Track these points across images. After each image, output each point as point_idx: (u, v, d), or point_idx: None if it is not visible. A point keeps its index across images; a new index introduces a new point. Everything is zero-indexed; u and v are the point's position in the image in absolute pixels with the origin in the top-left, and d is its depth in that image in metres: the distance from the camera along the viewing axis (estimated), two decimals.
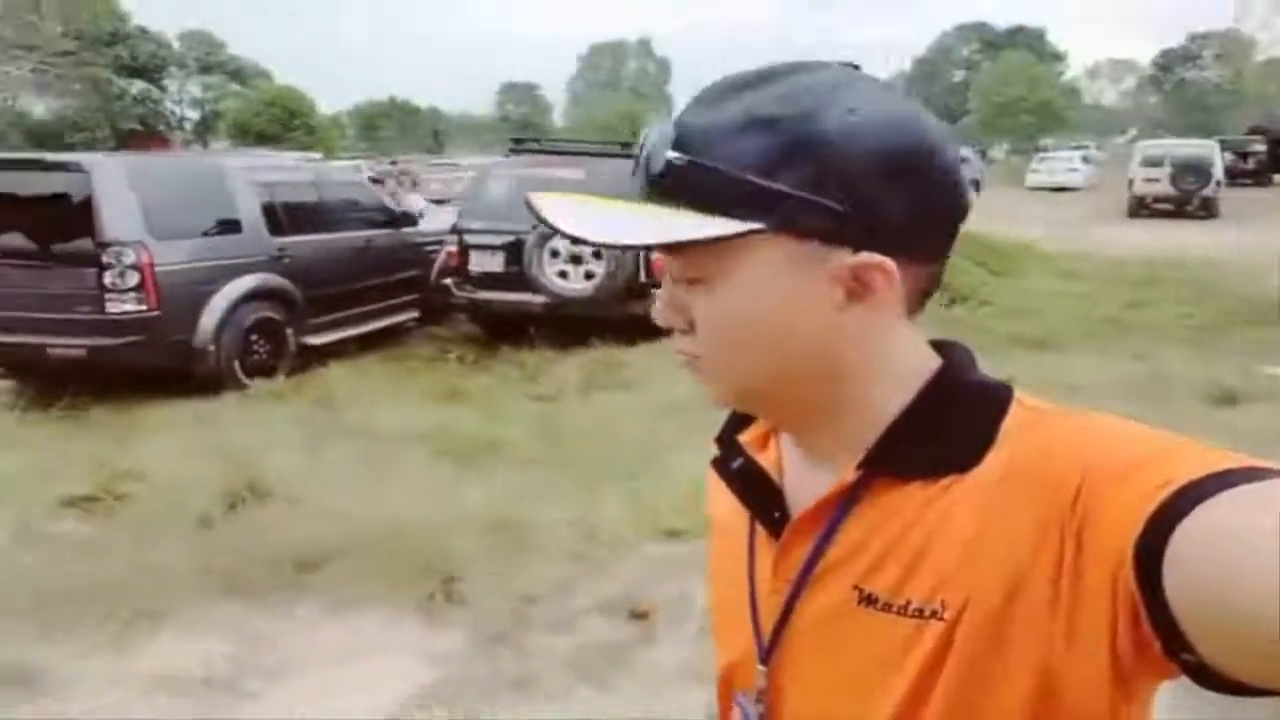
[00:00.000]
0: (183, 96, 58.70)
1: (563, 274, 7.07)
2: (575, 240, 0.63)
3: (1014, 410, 0.64)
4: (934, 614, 0.61)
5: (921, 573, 0.62)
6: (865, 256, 0.61)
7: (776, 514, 0.71)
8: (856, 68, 0.66)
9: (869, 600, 0.64)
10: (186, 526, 4.00)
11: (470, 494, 4.31)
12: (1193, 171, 20.42)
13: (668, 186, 0.62)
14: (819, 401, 0.67)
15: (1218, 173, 20.76)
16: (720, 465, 0.76)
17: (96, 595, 3.37)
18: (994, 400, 0.65)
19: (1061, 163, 31.72)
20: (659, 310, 0.68)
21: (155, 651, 3.15)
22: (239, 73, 58.72)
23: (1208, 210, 20.23)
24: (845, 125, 0.60)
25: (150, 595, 3.41)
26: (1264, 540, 0.45)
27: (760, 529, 0.73)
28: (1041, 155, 35.01)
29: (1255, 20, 50.78)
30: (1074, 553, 0.55)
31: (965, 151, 25.91)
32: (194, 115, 59.30)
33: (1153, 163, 21.24)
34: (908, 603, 0.62)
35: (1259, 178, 27.31)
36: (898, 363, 0.67)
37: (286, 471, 4.52)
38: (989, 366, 0.70)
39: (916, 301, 0.67)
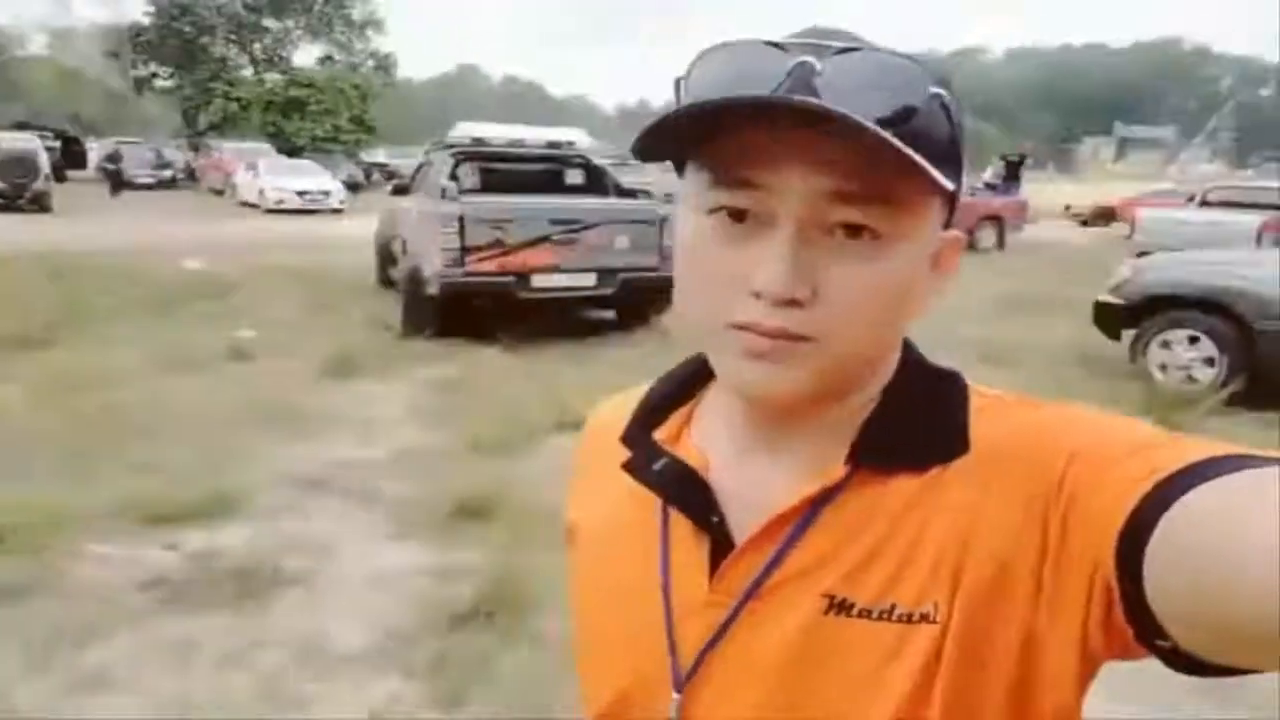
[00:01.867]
0: None
1: None
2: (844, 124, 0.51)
3: (973, 395, 0.64)
4: (924, 617, 0.57)
5: (909, 574, 0.58)
6: (952, 233, 0.62)
7: (714, 519, 0.64)
8: None
9: (842, 607, 0.59)
10: None
11: None
12: (19, 165, 21.50)
13: (911, 122, 0.54)
14: (846, 385, 0.62)
15: (45, 167, 22.11)
16: (634, 467, 0.68)
17: None
18: (957, 385, 0.64)
19: None
20: (779, 275, 0.55)
21: None
22: None
23: (40, 205, 21.54)
24: (958, 112, 0.58)
25: None
26: (1248, 529, 0.44)
27: (678, 539, 0.66)
28: None
29: None
30: (1058, 537, 0.54)
31: None
32: None
33: None
34: (892, 607, 0.58)
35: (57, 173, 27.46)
36: (897, 348, 0.66)
37: None
38: None
39: None
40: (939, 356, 0.67)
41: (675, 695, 0.64)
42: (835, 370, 0.59)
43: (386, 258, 10.15)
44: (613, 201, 8.77)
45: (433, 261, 7.66)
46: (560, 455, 3.49)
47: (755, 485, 0.64)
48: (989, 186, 19.89)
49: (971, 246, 17.09)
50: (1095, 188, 34.14)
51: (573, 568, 0.76)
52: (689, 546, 0.66)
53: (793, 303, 0.56)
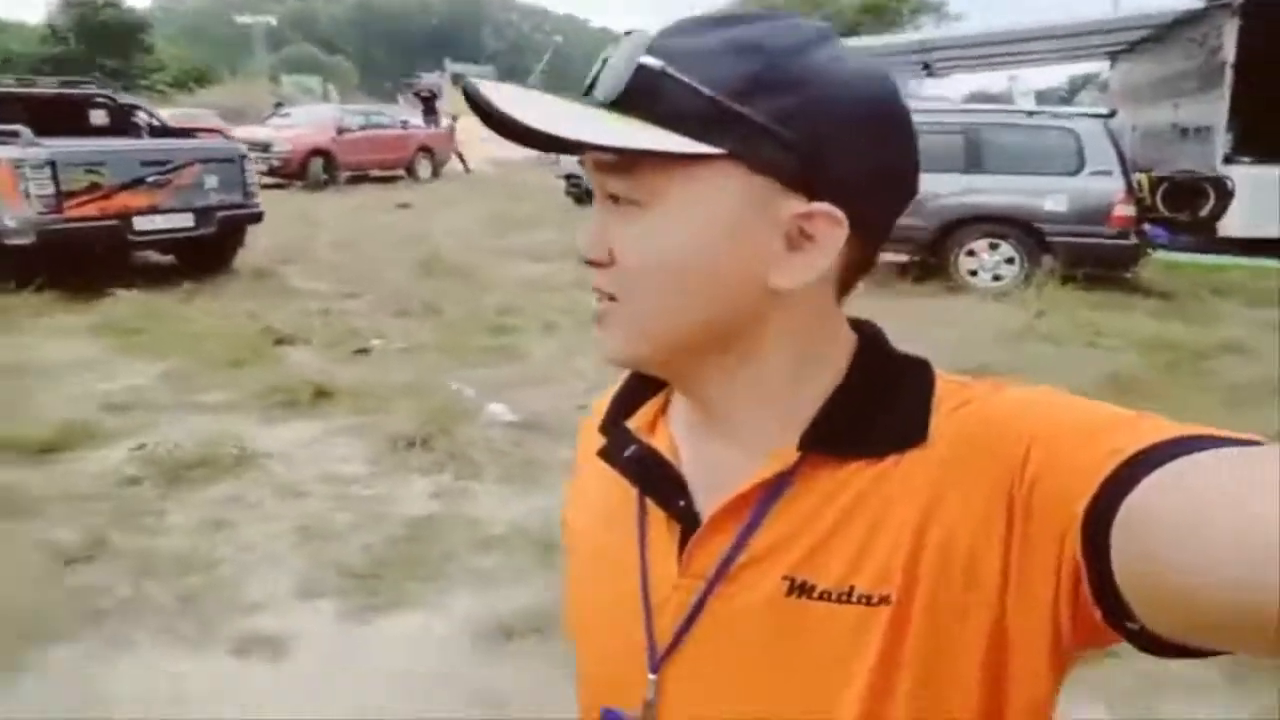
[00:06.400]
0: None
1: None
2: (526, 138, 0.55)
3: (939, 384, 0.64)
4: (884, 599, 0.58)
5: (868, 556, 0.59)
6: (818, 205, 0.58)
7: (681, 503, 0.66)
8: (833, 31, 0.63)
9: (803, 590, 0.60)
10: None
11: None
12: None
13: (633, 96, 0.57)
14: (742, 370, 0.64)
15: None
16: (608, 454, 0.70)
17: None
18: (922, 373, 0.64)
19: None
20: (585, 238, 0.62)
21: None
22: None
23: None
24: (828, 67, 0.58)
25: None
26: (1212, 509, 0.44)
27: (652, 524, 0.68)
28: None
29: None
30: (1023, 519, 0.55)
31: None
32: None
33: None
34: (851, 589, 0.59)
35: None
36: (829, 335, 0.65)
37: None
38: None
39: (848, 279, 0.64)
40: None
41: (651, 676, 0.66)
42: (648, 334, 0.62)
43: None
44: (198, 142, 8.83)
45: (16, 210, 7.15)
46: None
47: (715, 469, 0.65)
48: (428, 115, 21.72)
49: (412, 176, 19.09)
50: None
51: (567, 558, 0.79)
52: (662, 531, 0.67)
53: (596, 264, 0.61)
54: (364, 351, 6.29)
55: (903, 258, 8.41)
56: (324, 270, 9.03)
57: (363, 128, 18.43)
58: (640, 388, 0.74)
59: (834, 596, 0.60)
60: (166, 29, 56.83)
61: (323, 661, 2.98)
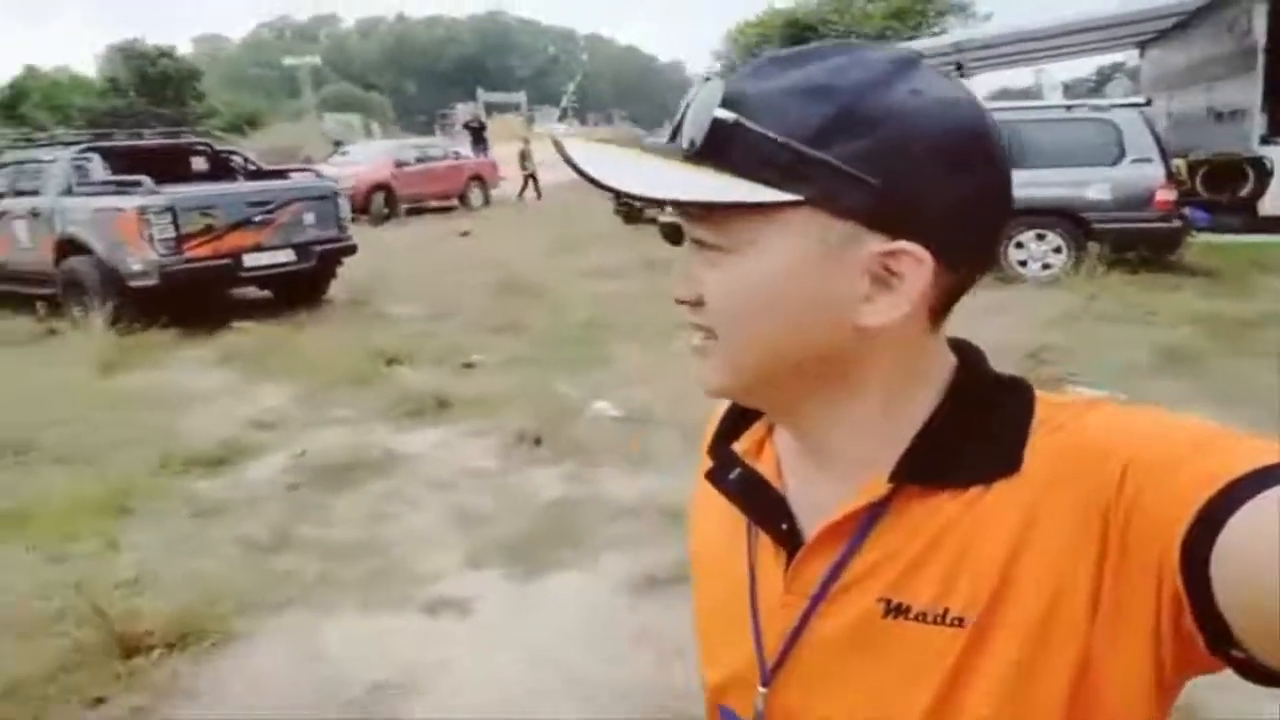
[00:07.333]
0: None
1: None
2: (618, 195, 0.61)
3: (1037, 405, 0.63)
4: (972, 622, 0.59)
5: (960, 580, 0.60)
6: (900, 244, 0.59)
7: (784, 525, 0.68)
8: (920, 55, 0.63)
9: (898, 611, 0.62)
10: None
11: None
12: None
13: (712, 147, 0.59)
14: (838, 402, 0.65)
15: None
16: (715, 477, 0.73)
17: None
18: (1021, 398, 0.64)
19: None
20: (673, 281, 0.65)
21: None
22: None
23: None
24: (904, 104, 0.58)
25: None
26: None
27: (762, 543, 0.70)
28: None
29: None
30: (1119, 545, 0.54)
31: None
32: None
33: None
34: (945, 611, 0.60)
35: None
36: (924, 363, 0.65)
37: None
38: None
39: (941, 310, 0.63)
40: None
41: (761, 689, 0.69)
42: (745, 369, 0.64)
43: None
44: (295, 181, 9.57)
45: (142, 254, 7.90)
46: None
47: (816, 492, 0.67)
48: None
49: (465, 205, 19.83)
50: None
51: (692, 574, 0.82)
52: (769, 550, 0.70)
53: (689, 303, 0.64)
54: (469, 366, 6.90)
55: None
56: (410, 296, 9.66)
57: (418, 160, 19.26)
58: (748, 411, 0.75)
59: (928, 618, 0.61)
60: (212, 75, 58.65)
61: (502, 616, 3.53)
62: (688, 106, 0.61)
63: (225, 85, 69.96)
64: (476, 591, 3.67)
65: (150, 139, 10.03)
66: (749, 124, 0.58)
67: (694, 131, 0.60)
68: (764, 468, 0.71)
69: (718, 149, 0.59)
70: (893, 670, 0.62)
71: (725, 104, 0.59)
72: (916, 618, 0.61)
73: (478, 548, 4.01)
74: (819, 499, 0.67)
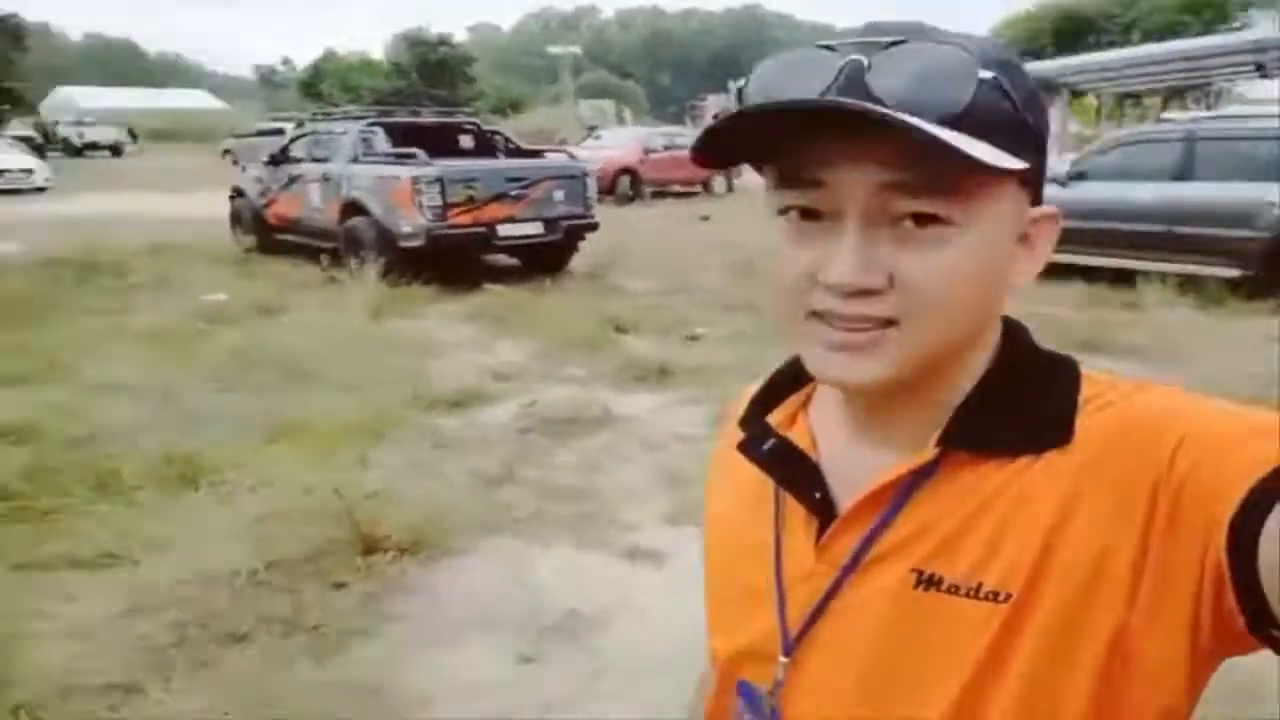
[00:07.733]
0: None
1: None
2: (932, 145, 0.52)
3: (1084, 384, 0.63)
4: (1008, 597, 0.58)
5: (999, 554, 0.59)
6: (1043, 208, 0.61)
7: (817, 494, 0.68)
8: None
9: (930, 582, 0.61)
10: None
11: None
12: None
13: (963, 111, 0.55)
14: (945, 371, 0.63)
15: None
16: (747, 448, 0.73)
17: None
18: (1068, 374, 0.64)
19: None
20: (848, 268, 0.57)
21: None
22: None
23: None
24: (1023, 81, 0.59)
25: None
26: None
27: (790, 510, 0.70)
28: None
29: None
30: (1167, 514, 0.54)
31: None
32: None
33: None
34: (979, 585, 0.59)
35: None
36: (989, 334, 0.65)
37: None
38: None
39: None
40: None
41: (783, 659, 0.68)
42: (919, 357, 0.60)
43: (263, 222, 10.89)
44: (549, 161, 10.30)
45: (412, 218, 8.76)
46: None
47: (857, 464, 0.67)
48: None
49: (708, 191, 20.20)
50: None
51: (705, 543, 0.81)
52: (799, 520, 0.69)
53: (868, 292, 0.58)
54: (694, 338, 7.13)
55: (1232, 272, 7.90)
56: (645, 272, 10.07)
57: (665, 148, 19.79)
58: (782, 385, 0.75)
59: (961, 591, 0.60)
60: (483, 61, 62.97)
61: (692, 570, 3.67)
62: (927, 68, 0.56)
63: (495, 70, 74.98)
64: (673, 546, 3.85)
65: (426, 117, 11.08)
66: (1007, 86, 0.57)
67: (956, 91, 0.56)
68: (798, 439, 0.71)
69: (969, 113, 0.56)
70: (921, 643, 0.61)
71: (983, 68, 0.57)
72: (950, 590, 0.60)
73: (678, 506, 4.19)
74: (861, 473, 0.66)
